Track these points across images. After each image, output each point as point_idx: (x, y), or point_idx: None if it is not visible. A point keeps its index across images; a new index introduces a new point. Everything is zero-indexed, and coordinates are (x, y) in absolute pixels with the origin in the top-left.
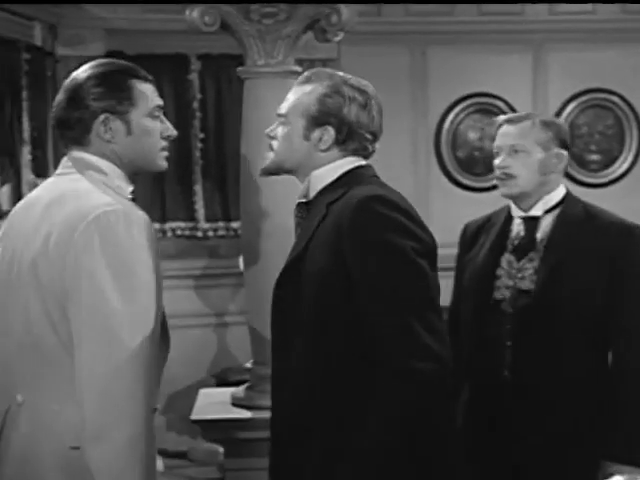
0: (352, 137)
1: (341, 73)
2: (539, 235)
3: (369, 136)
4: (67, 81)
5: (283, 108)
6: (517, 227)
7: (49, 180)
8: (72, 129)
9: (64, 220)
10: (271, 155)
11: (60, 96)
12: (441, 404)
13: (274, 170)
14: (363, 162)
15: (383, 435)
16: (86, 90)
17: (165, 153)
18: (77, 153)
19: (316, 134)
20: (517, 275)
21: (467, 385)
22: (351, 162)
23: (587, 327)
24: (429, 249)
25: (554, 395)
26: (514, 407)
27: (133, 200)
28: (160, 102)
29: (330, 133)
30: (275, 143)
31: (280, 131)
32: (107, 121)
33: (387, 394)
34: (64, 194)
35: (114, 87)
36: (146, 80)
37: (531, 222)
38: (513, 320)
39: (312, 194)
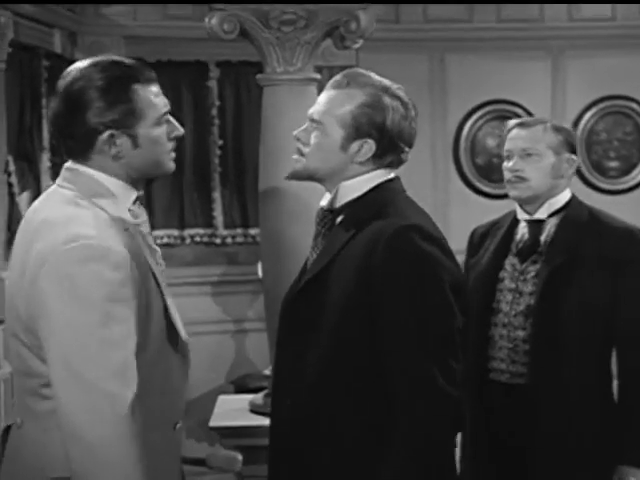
0: (391, 150)
1: (378, 77)
2: (543, 238)
3: (407, 148)
4: (63, 84)
5: (317, 113)
6: (522, 230)
7: (48, 191)
8: (74, 141)
9: (38, 253)
10: (302, 160)
11: (58, 104)
12: (452, 447)
13: (304, 177)
14: (392, 175)
15: None
16: (87, 102)
17: (172, 154)
18: (74, 165)
19: (355, 145)
20: (520, 278)
21: (469, 387)
22: (382, 175)
23: (590, 330)
24: (459, 282)
25: (556, 398)
26: (516, 409)
27: (138, 204)
28: (167, 106)
29: (370, 146)
30: (306, 149)
31: (314, 138)
32: (112, 138)
33: (403, 440)
34: (46, 221)
35: (117, 99)
36: (150, 81)
37: (535, 225)
38: (515, 323)
39: (339, 204)
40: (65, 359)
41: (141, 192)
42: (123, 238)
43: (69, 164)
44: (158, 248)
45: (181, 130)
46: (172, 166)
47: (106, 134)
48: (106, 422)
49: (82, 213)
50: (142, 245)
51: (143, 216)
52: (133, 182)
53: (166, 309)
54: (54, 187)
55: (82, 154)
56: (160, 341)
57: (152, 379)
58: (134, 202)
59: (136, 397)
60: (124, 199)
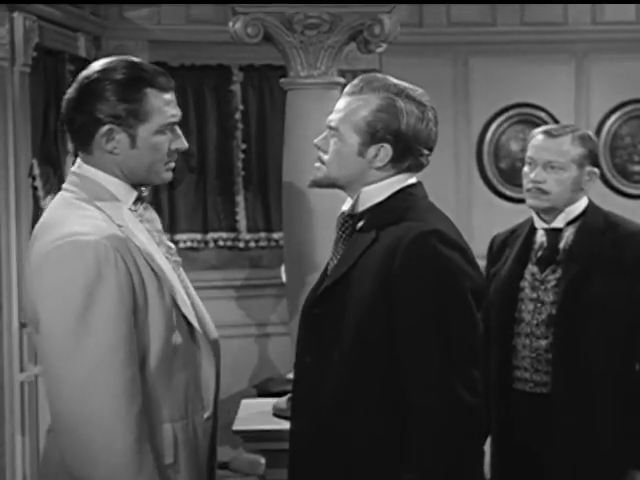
0: (408, 153)
1: (395, 80)
2: (561, 246)
3: (425, 151)
4: (81, 76)
5: (334, 120)
6: (540, 239)
7: (56, 197)
8: (76, 132)
9: (32, 256)
10: (323, 168)
11: (71, 93)
12: (476, 456)
13: (325, 184)
14: (414, 179)
15: None
16: (95, 94)
17: (170, 165)
18: (78, 167)
19: (371, 151)
20: (540, 287)
21: (493, 396)
22: (403, 180)
23: (612, 336)
24: (480, 289)
25: (579, 405)
26: (539, 418)
27: (146, 202)
28: (175, 116)
29: (387, 150)
30: (326, 157)
31: (332, 145)
32: (111, 132)
33: (424, 450)
34: (41, 225)
35: (125, 98)
36: (164, 89)
37: (553, 234)
38: (537, 332)
39: (360, 209)
40: (44, 352)
41: (145, 192)
42: (116, 234)
43: (75, 168)
44: (172, 245)
45: (185, 144)
46: (167, 177)
47: (106, 127)
48: (83, 408)
49: (72, 213)
50: (142, 242)
51: (150, 215)
52: (132, 183)
53: (174, 301)
54: (60, 191)
55: (83, 145)
56: (169, 334)
57: (169, 371)
58: (135, 202)
59: (130, 384)
60: (125, 199)
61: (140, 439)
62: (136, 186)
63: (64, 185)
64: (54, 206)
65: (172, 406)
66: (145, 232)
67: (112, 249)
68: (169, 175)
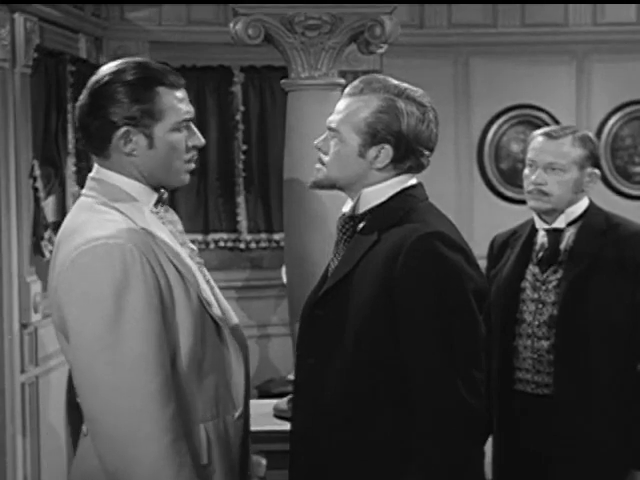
0: (409, 154)
1: (395, 81)
2: (562, 247)
3: (426, 152)
4: (91, 81)
5: (334, 122)
6: (541, 239)
7: (77, 203)
8: (92, 138)
9: (58, 262)
10: (323, 169)
11: (83, 99)
12: (477, 457)
13: (326, 186)
14: (415, 180)
15: None
16: (108, 98)
17: (190, 166)
18: (96, 172)
19: (372, 152)
20: (542, 288)
21: (495, 397)
22: (404, 181)
23: (613, 337)
24: (482, 290)
25: (581, 406)
26: (540, 419)
27: (167, 204)
28: (189, 113)
29: (387, 151)
30: (326, 158)
31: (333, 147)
32: (127, 134)
33: (426, 452)
34: (64, 231)
35: (138, 98)
36: (175, 86)
37: (554, 234)
38: (539, 333)
39: (360, 211)
40: (76, 358)
41: (165, 194)
42: (140, 236)
43: (93, 173)
44: (194, 246)
45: (202, 140)
46: (185, 179)
47: (122, 130)
48: (122, 418)
49: (94, 217)
50: (166, 243)
51: (171, 216)
52: (152, 185)
53: (201, 301)
54: (80, 199)
55: (100, 150)
56: (197, 334)
57: (199, 371)
58: (156, 204)
59: (165, 390)
60: (145, 202)
61: (177, 440)
62: (156, 188)
63: (83, 191)
64: (75, 212)
65: (204, 406)
66: (168, 233)
67: (137, 251)
68: (187, 177)
